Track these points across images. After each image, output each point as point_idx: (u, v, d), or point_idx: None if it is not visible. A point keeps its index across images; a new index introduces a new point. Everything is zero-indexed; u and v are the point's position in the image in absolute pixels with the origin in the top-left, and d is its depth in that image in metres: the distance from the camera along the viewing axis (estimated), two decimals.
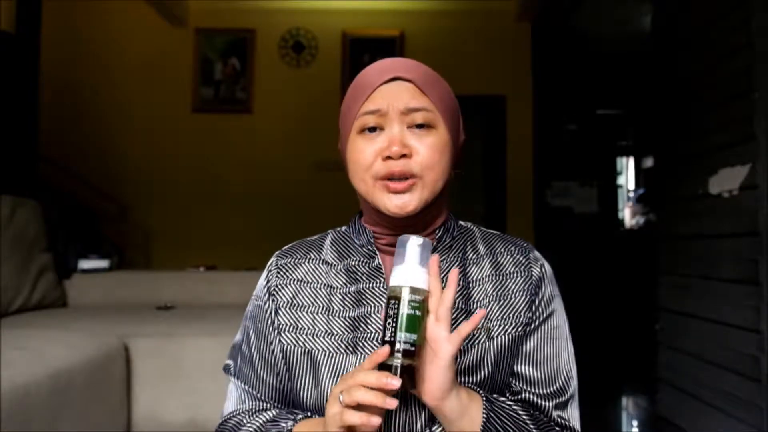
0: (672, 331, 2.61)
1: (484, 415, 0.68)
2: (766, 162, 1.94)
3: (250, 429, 0.76)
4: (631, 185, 6.70)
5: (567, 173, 4.90)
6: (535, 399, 0.75)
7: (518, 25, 4.39)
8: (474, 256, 0.81)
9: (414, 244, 0.66)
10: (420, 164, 0.73)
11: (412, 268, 0.65)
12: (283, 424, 0.73)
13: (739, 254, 2.08)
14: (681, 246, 2.53)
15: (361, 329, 0.75)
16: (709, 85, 2.30)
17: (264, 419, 0.77)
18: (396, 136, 0.73)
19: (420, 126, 0.74)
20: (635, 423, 2.90)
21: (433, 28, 4.39)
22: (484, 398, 0.70)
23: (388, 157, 0.72)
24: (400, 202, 0.73)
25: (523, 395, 0.75)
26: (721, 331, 2.19)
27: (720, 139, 2.21)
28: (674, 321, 2.58)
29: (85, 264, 2.75)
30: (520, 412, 0.72)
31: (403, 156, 0.72)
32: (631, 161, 6.67)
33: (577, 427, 0.77)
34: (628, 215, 6.34)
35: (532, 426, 0.71)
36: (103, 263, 2.80)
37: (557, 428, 0.75)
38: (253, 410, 0.80)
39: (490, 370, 0.74)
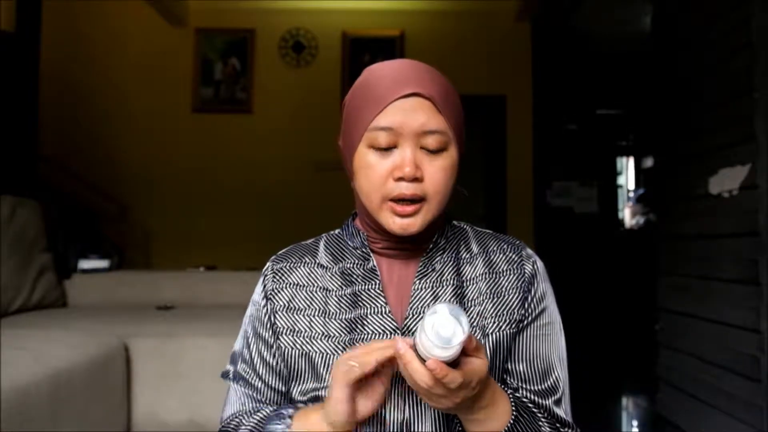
0: (672, 331, 2.61)
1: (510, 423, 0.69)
2: (766, 162, 1.94)
3: (249, 425, 0.76)
4: (631, 185, 6.70)
5: (567, 173, 4.90)
6: (534, 397, 0.76)
7: (518, 25, 4.39)
8: (467, 256, 0.81)
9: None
10: (430, 189, 0.73)
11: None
12: (279, 427, 0.72)
13: (739, 254, 2.08)
14: (681, 246, 2.53)
15: (358, 330, 0.75)
16: (709, 85, 2.30)
17: (261, 416, 0.77)
18: (409, 158, 0.71)
19: (432, 150, 0.73)
20: (635, 423, 2.90)
21: (433, 28, 4.39)
22: (513, 409, 0.70)
23: (400, 178, 0.72)
24: (404, 224, 0.73)
25: (521, 393, 0.76)
26: (721, 331, 2.19)
27: (720, 139, 2.21)
28: (674, 321, 2.58)
29: (85, 264, 2.75)
30: (542, 420, 0.73)
31: (415, 179, 0.72)
32: (631, 161, 6.67)
33: (571, 421, 0.78)
34: (628, 215, 6.34)
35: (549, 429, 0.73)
36: (103, 263, 2.80)
37: (558, 425, 0.75)
38: (254, 411, 0.80)
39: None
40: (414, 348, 0.61)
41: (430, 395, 0.61)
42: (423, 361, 0.60)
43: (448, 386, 0.59)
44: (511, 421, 0.68)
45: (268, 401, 0.80)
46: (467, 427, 0.69)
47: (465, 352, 0.62)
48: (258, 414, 0.77)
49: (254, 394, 0.80)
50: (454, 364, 0.60)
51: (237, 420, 0.79)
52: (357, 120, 0.75)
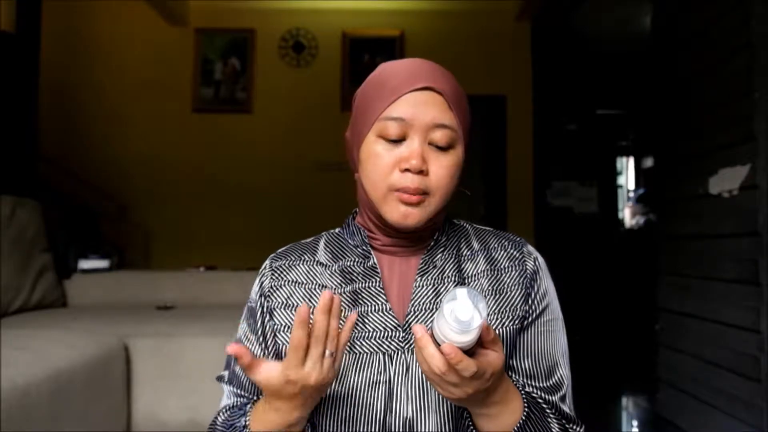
0: (672, 331, 2.61)
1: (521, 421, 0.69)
2: (766, 162, 1.94)
3: (221, 419, 0.78)
4: (631, 185, 6.71)
5: (567, 173, 4.90)
6: (541, 393, 0.76)
7: (518, 25, 4.39)
8: (468, 253, 0.81)
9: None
10: (433, 184, 0.73)
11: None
12: (241, 420, 0.74)
13: (739, 254, 2.08)
14: (681, 246, 2.53)
15: (358, 328, 0.75)
16: (709, 85, 2.30)
17: (231, 411, 0.78)
18: (417, 150, 0.72)
19: (440, 146, 0.74)
20: (635, 423, 2.90)
21: (433, 28, 4.39)
22: (525, 406, 0.69)
23: (406, 169, 0.72)
24: (406, 212, 0.73)
25: (528, 390, 0.76)
26: (721, 331, 2.19)
27: (720, 139, 2.21)
28: (674, 321, 2.58)
29: (85, 264, 2.75)
30: (551, 417, 0.73)
31: (420, 171, 0.72)
32: (631, 161, 6.68)
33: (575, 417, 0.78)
34: (628, 215, 6.34)
35: (556, 426, 0.72)
36: (103, 263, 2.80)
37: (563, 421, 0.75)
38: (231, 406, 0.80)
39: None
40: (431, 335, 0.60)
41: (443, 383, 0.60)
42: (439, 347, 0.59)
43: (461, 374, 0.58)
44: (523, 418, 0.68)
45: (255, 398, 0.80)
46: (478, 423, 0.68)
47: (481, 344, 0.61)
48: (232, 409, 0.79)
49: (240, 391, 0.81)
50: (470, 354, 0.59)
51: (217, 416, 0.80)
52: (368, 110, 0.75)
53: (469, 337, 0.58)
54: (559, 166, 4.81)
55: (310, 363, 0.63)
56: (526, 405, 0.69)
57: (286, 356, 0.64)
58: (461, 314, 0.57)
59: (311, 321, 0.63)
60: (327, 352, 0.63)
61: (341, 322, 0.75)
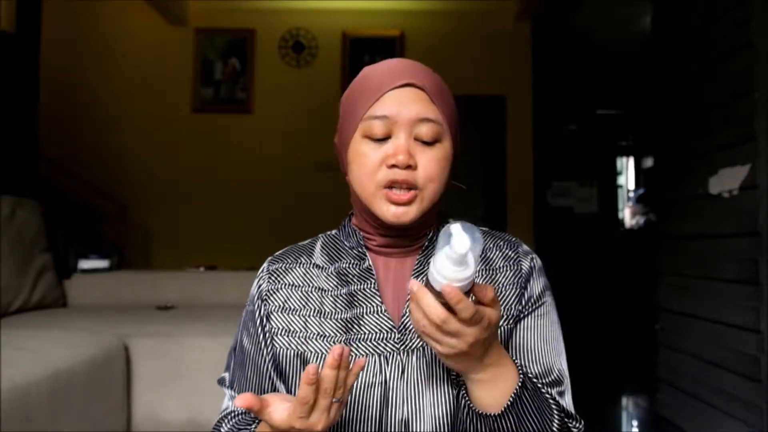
0: (672, 331, 2.61)
1: (511, 399, 0.67)
2: (766, 162, 1.94)
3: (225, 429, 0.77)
4: (631, 185, 6.71)
5: (567, 173, 4.90)
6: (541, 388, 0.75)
7: (518, 25, 4.39)
8: None
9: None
10: (423, 177, 0.73)
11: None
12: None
13: (739, 254, 2.08)
14: (681, 246, 2.53)
15: (354, 330, 0.75)
16: (709, 85, 2.30)
17: (229, 427, 0.77)
18: (403, 145, 0.72)
19: (426, 141, 0.74)
20: (635, 423, 2.91)
21: (433, 28, 4.39)
22: (521, 372, 0.68)
23: (393, 165, 0.72)
24: (398, 212, 0.73)
25: None
26: (721, 331, 2.19)
27: (720, 139, 2.21)
28: (674, 321, 2.58)
29: (85, 264, 2.75)
30: (549, 399, 0.71)
31: (408, 166, 0.72)
32: (631, 161, 6.68)
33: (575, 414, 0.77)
34: (628, 215, 6.34)
35: (555, 413, 0.71)
36: (103, 263, 2.80)
37: (562, 414, 0.74)
38: (234, 414, 0.80)
39: None
40: (426, 285, 0.59)
41: (441, 337, 0.59)
42: (436, 295, 0.58)
43: (460, 315, 0.57)
44: (519, 384, 0.67)
45: None
46: (475, 392, 0.67)
47: (478, 301, 0.60)
48: (237, 417, 0.78)
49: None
50: None
51: (220, 422, 0.80)
52: (353, 111, 0.76)
53: (467, 272, 0.56)
54: (559, 166, 4.81)
55: (316, 415, 0.61)
56: (521, 372, 0.68)
57: (293, 407, 0.61)
58: (458, 247, 0.56)
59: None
60: (334, 399, 0.62)
61: (336, 322, 0.76)
